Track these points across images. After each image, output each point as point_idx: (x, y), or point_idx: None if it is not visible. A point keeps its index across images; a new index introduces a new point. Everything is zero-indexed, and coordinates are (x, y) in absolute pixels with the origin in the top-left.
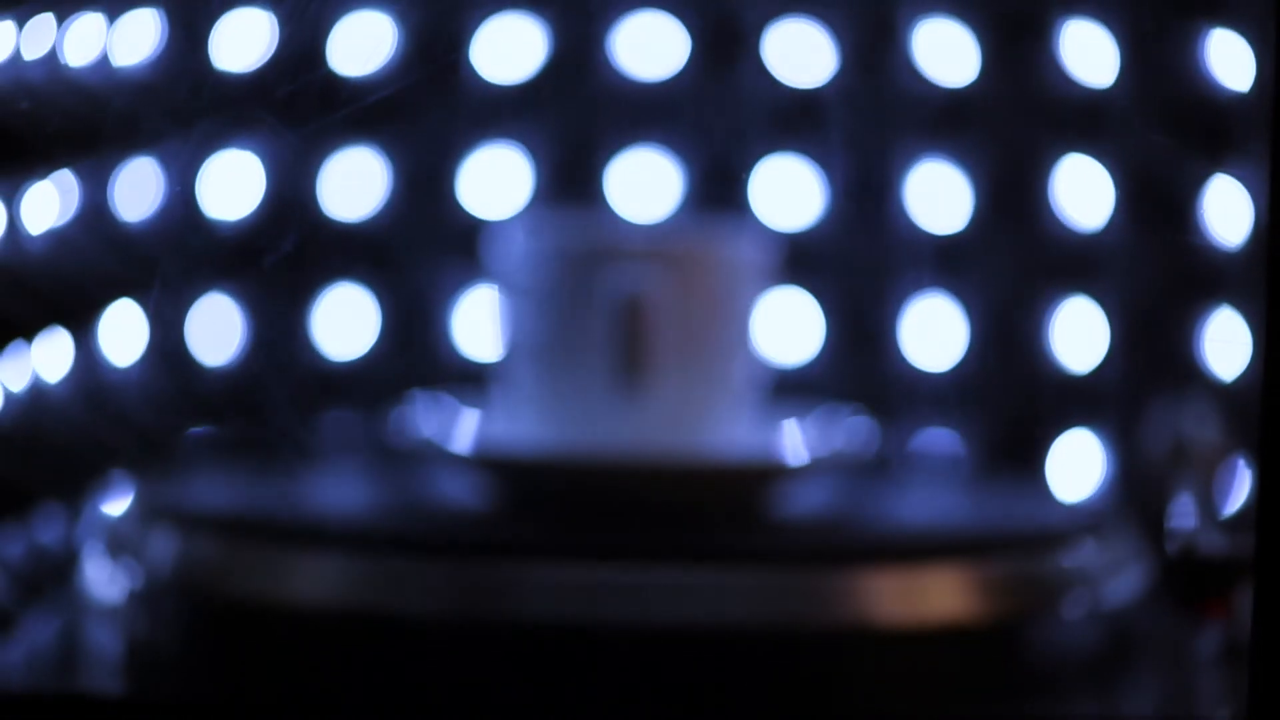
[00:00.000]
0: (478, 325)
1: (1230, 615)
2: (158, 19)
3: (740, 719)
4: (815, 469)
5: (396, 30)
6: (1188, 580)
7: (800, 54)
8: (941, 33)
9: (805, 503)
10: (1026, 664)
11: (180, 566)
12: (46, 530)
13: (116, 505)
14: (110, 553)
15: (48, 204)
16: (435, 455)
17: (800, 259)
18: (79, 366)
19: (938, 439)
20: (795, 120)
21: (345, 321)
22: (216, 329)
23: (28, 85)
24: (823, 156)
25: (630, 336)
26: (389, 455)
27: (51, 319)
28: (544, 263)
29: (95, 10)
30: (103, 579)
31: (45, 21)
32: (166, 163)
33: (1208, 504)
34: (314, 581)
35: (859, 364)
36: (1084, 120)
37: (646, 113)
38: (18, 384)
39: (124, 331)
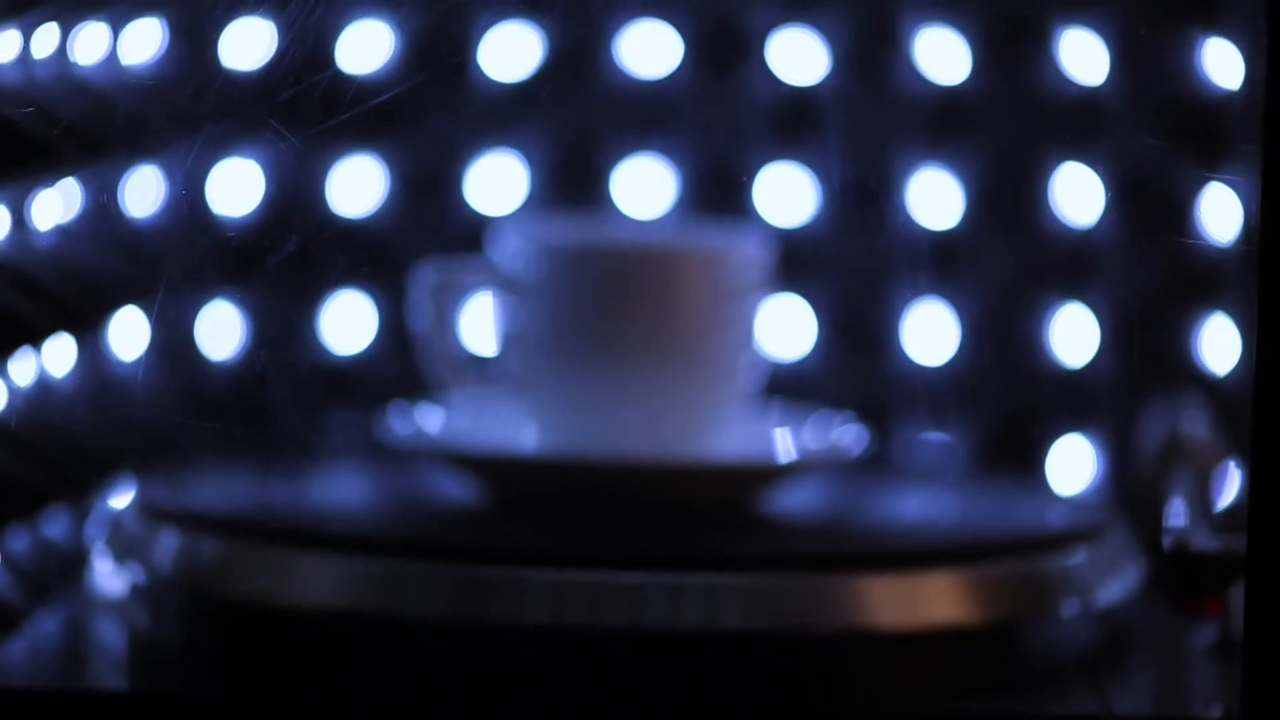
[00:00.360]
0: (478, 326)
1: (1224, 613)
2: (164, 23)
3: None
4: (811, 470)
5: (399, 34)
6: (1182, 578)
7: (798, 57)
8: (937, 36)
9: (801, 504)
10: (1021, 663)
11: (183, 566)
12: (53, 528)
13: (121, 504)
14: (115, 552)
15: (55, 205)
16: (434, 455)
17: (796, 260)
18: (85, 366)
19: (933, 440)
20: (792, 123)
21: (348, 322)
22: (221, 330)
23: (36, 88)
24: (819, 158)
25: (627, 336)
26: (389, 456)
27: (58, 319)
28: (541, 262)
29: (102, 14)
30: (108, 577)
31: (53, 26)
32: (172, 165)
33: (1202, 502)
34: (315, 582)
35: (855, 365)
36: (1079, 122)
37: (646, 115)
38: (25, 383)
39: (130, 332)
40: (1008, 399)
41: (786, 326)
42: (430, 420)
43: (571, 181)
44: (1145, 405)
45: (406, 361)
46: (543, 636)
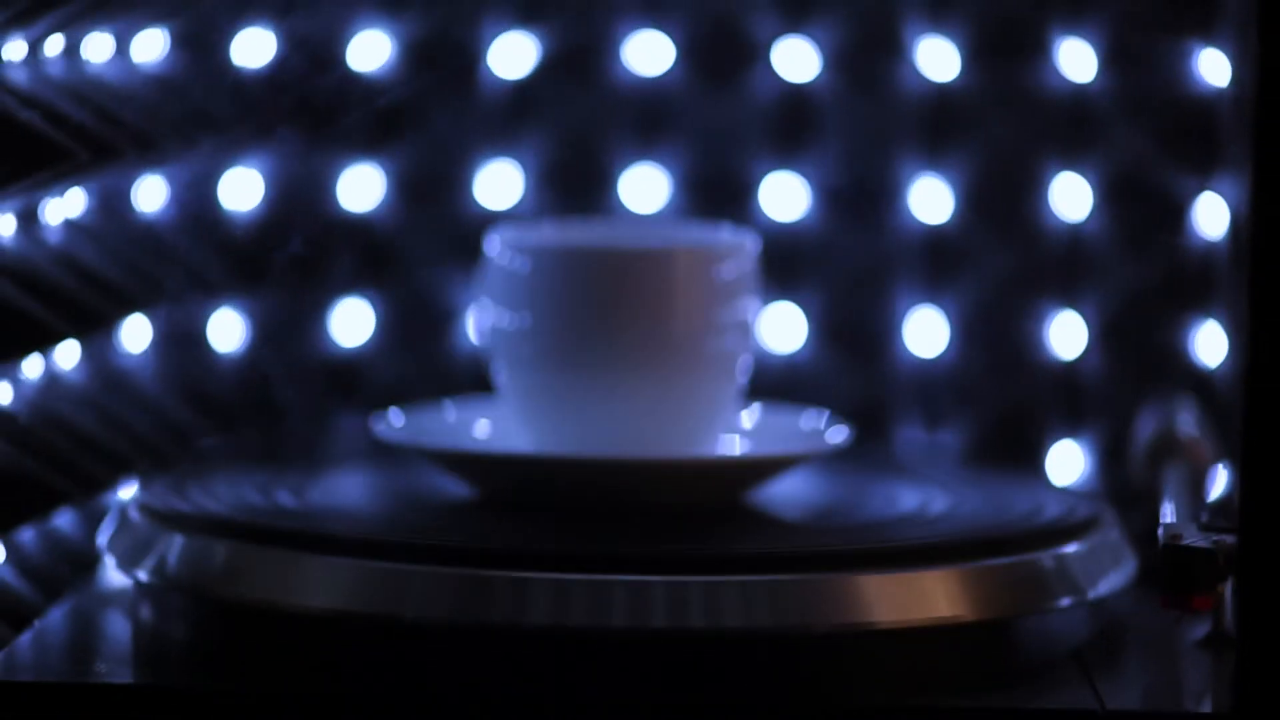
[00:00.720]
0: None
1: (1216, 609)
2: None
3: None
4: (802, 464)
5: (402, 38)
6: (1175, 574)
7: (796, 60)
8: (932, 40)
9: (798, 503)
10: (1014, 657)
11: (189, 567)
12: (63, 526)
13: (130, 504)
14: (122, 552)
15: (66, 207)
16: (432, 455)
17: (791, 260)
18: (95, 367)
19: (929, 437)
20: (789, 125)
21: (353, 324)
22: (229, 330)
23: (46, 93)
24: (815, 160)
25: (620, 334)
26: (391, 456)
27: (69, 320)
28: (539, 261)
29: (110, 19)
30: (116, 576)
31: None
32: (180, 168)
33: (1193, 500)
34: (318, 583)
35: (851, 364)
36: (1071, 126)
37: (645, 117)
38: (36, 383)
39: (139, 333)
40: (1003, 397)
41: (783, 325)
42: (429, 420)
43: (571, 182)
44: (1138, 401)
45: (409, 362)
46: (544, 637)
